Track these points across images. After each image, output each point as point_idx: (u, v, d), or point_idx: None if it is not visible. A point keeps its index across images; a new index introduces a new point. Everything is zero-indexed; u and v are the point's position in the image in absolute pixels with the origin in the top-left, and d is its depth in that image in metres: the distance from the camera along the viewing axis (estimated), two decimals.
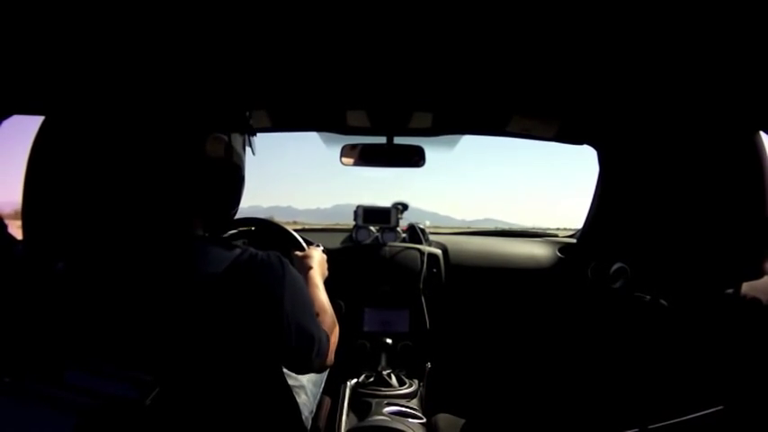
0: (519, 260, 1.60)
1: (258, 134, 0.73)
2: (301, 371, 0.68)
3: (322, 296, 0.84)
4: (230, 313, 0.52)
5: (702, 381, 0.82)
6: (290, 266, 0.61)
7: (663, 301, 0.98)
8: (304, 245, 1.17)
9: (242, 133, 0.67)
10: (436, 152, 1.64)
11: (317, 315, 0.68)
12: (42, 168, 0.52)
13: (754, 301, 0.79)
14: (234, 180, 0.65)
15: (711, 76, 0.80)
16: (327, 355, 0.68)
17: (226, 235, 1.27)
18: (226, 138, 0.61)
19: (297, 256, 0.99)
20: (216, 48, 0.78)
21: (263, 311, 0.54)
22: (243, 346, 0.53)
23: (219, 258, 0.55)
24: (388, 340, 1.37)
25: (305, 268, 0.93)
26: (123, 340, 0.50)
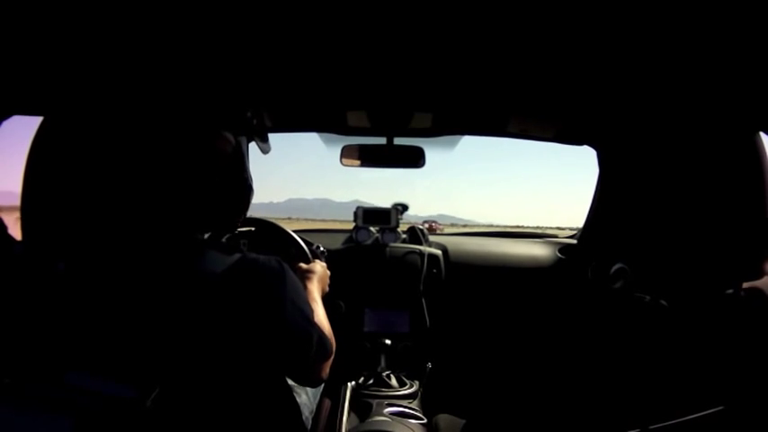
0: (519, 261, 1.60)
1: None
2: (299, 377, 0.67)
3: (319, 311, 0.84)
4: (229, 315, 0.52)
5: (703, 381, 0.82)
6: (290, 271, 0.60)
7: (663, 302, 0.98)
8: (304, 246, 1.17)
9: (247, 135, 0.66)
10: (436, 152, 1.64)
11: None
12: (42, 168, 0.52)
13: (754, 302, 0.79)
14: (240, 181, 0.64)
15: (711, 77, 0.80)
16: (325, 361, 0.67)
17: (226, 236, 1.27)
18: (231, 138, 0.61)
19: (300, 268, 0.98)
20: (217, 48, 0.78)
21: (261, 314, 0.54)
22: (241, 347, 0.53)
23: (220, 261, 0.55)
24: (389, 341, 1.37)
25: (305, 282, 0.92)
26: (122, 341, 0.49)
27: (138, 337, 0.49)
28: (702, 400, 0.70)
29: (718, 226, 0.88)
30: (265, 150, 0.72)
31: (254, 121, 0.67)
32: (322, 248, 1.25)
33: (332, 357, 0.70)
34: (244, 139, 0.65)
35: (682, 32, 0.67)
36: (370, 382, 1.29)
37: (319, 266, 1.01)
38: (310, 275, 0.95)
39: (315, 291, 0.91)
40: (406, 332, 1.48)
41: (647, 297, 1.08)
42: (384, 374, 1.30)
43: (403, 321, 1.50)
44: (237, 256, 0.57)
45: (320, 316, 0.81)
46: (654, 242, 1.05)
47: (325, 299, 0.91)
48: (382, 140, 1.48)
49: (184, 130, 0.56)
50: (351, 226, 1.63)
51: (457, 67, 0.88)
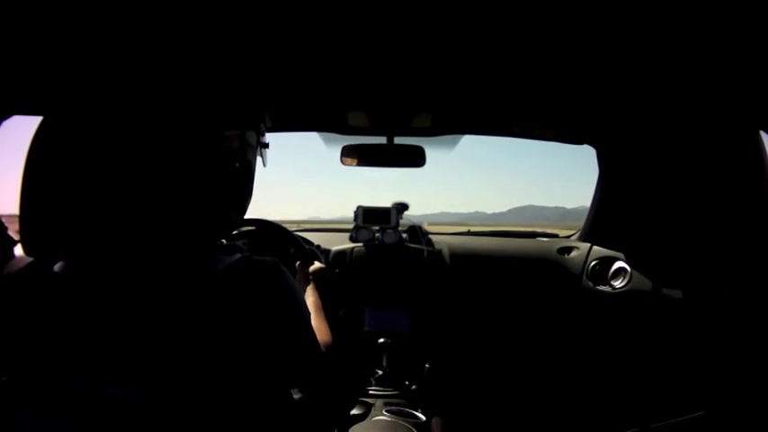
0: (519, 260, 1.61)
1: None
2: (297, 383, 0.66)
3: (319, 316, 0.83)
4: (225, 315, 0.52)
5: (702, 380, 0.82)
6: (287, 273, 0.60)
7: (663, 301, 0.98)
8: (305, 246, 1.17)
9: (256, 132, 0.66)
10: (436, 152, 1.64)
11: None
12: (42, 169, 0.52)
13: (754, 301, 0.79)
14: (245, 180, 0.64)
15: (711, 76, 0.80)
16: (320, 368, 0.66)
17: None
18: (238, 138, 0.61)
19: (304, 270, 1.00)
20: (217, 47, 0.78)
21: (255, 315, 0.54)
22: (237, 347, 0.53)
23: (218, 261, 0.55)
24: (389, 340, 1.37)
25: (308, 285, 0.95)
26: (122, 341, 0.49)
27: (138, 336, 0.49)
28: (701, 400, 0.70)
29: (718, 225, 0.88)
30: (265, 162, 0.72)
31: (264, 131, 0.68)
32: (322, 248, 1.25)
33: (330, 364, 0.69)
34: (253, 137, 0.65)
35: (681, 32, 0.67)
36: (371, 380, 1.29)
37: (319, 267, 1.02)
38: (313, 278, 0.96)
39: (317, 295, 0.91)
40: (406, 331, 1.48)
41: (647, 296, 1.08)
42: (384, 374, 1.31)
43: (403, 321, 1.50)
44: (236, 256, 0.57)
45: (319, 323, 0.81)
46: (654, 241, 1.05)
47: (326, 299, 0.91)
48: (383, 140, 1.49)
49: (186, 129, 0.56)
50: (350, 226, 1.63)
51: (457, 67, 0.88)
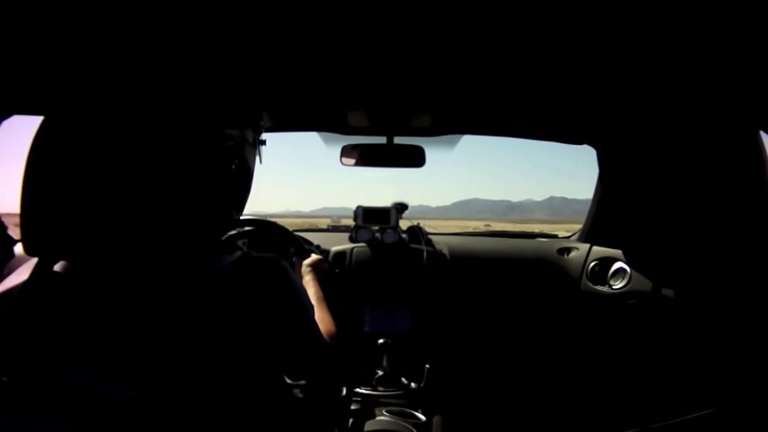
0: (519, 261, 1.61)
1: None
2: (302, 376, 0.67)
3: (323, 308, 0.83)
4: (229, 313, 0.52)
5: (702, 380, 0.82)
6: (290, 270, 0.60)
7: (663, 301, 0.98)
8: (305, 246, 1.17)
9: (254, 130, 0.67)
10: (436, 152, 1.65)
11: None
12: (43, 168, 0.51)
13: (754, 301, 0.79)
14: (243, 178, 0.64)
15: (711, 76, 0.80)
16: (325, 360, 0.66)
17: (226, 235, 1.27)
18: (237, 137, 0.61)
19: (302, 264, 1.00)
20: (217, 47, 0.78)
21: (260, 312, 0.54)
22: (240, 345, 0.53)
23: (221, 259, 0.55)
24: (389, 340, 1.37)
25: (310, 278, 0.95)
26: (123, 341, 0.49)
27: (140, 336, 0.49)
28: (701, 400, 0.70)
29: (718, 226, 0.88)
30: (261, 159, 0.72)
31: (262, 129, 0.68)
32: (321, 248, 1.25)
33: (335, 356, 0.70)
34: (251, 135, 0.66)
35: (681, 32, 0.67)
36: (371, 381, 1.29)
37: (317, 258, 1.02)
38: (312, 270, 0.96)
39: (317, 286, 0.92)
40: (407, 332, 1.48)
41: (647, 296, 1.08)
42: (384, 374, 1.31)
43: (403, 321, 1.50)
44: (238, 254, 0.57)
45: (323, 314, 0.81)
46: (654, 242, 1.05)
47: (326, 290, 0.92)
48: (382, 140, 1.49)
49: (187, 128, 0.56)
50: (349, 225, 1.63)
51: (457, 66, 0.88)
